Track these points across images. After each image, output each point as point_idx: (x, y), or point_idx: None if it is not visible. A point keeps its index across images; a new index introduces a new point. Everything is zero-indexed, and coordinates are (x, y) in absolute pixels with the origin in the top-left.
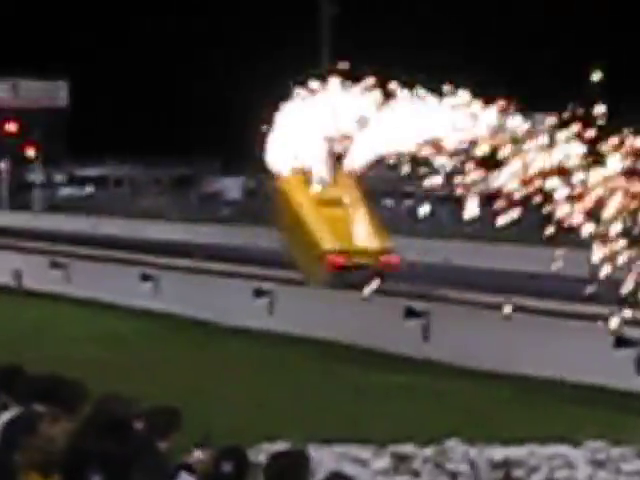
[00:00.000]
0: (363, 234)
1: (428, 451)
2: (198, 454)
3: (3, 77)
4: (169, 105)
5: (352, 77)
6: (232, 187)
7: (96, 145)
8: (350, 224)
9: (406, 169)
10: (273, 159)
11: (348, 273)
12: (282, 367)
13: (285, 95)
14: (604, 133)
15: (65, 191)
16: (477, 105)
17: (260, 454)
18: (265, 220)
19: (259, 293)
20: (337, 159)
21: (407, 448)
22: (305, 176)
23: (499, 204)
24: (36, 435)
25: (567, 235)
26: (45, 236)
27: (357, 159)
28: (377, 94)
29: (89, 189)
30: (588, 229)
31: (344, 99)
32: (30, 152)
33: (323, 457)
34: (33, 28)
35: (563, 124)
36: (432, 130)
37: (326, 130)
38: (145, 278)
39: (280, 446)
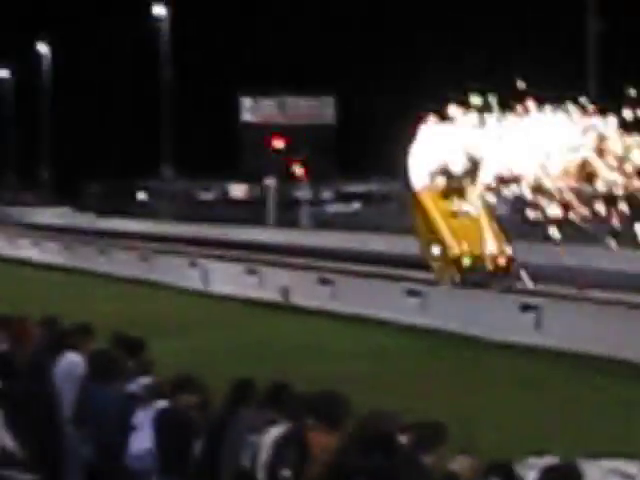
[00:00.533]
0: (487, 241)
1: None
2: (462, 460)
3: (270, 94)
4: None
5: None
6: None
7: (363, 161)
8: (475, 233)
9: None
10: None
11: (473, 274)
12: (548, 382)
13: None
14: None
15: (332, 208)
16: None
17: (527, 469)
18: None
19: (526, 308)
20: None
21: None
22: (442, 191)
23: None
24: (305, 450)
25: None
26: (313, 253)
27: (487, 175)
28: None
29: (356, 205)
30: None
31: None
32: (297, 169)
33: (591, 472)
34: (295, 47)
35: None
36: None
37: (466, 149)
38: (412, 294)
39: (548, 460)
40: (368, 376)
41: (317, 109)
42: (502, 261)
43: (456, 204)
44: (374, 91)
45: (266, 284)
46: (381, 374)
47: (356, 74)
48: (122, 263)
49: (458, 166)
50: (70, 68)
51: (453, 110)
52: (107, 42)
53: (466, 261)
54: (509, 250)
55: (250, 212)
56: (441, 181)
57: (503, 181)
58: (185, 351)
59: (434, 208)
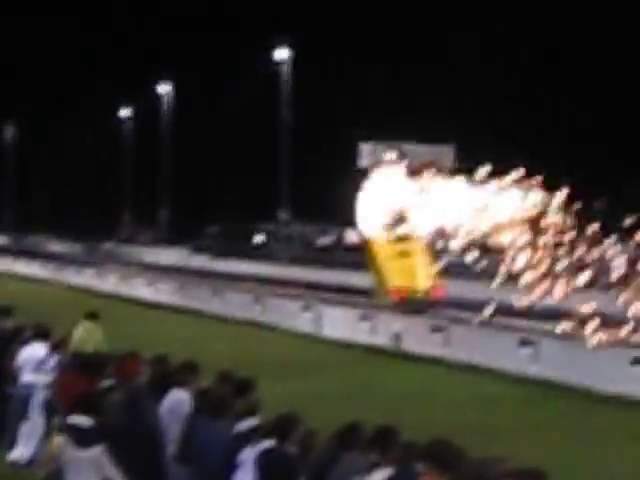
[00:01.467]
0: (421, 276)
1: None
2: None
3: (388, 139)
4: None
5: None
6: None
7: None
8: (413, 270)
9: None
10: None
11: (407, 303)
12: None
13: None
14: None
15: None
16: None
17: None
18: None
19: (637, 361)
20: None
21: None
22: (386, 236)
23: None
24: None
25: None
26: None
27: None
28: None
29: (474, 255)
30: None
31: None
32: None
33: None
34: (415, 93)
35: None
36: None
37: (400, 202)
38: (524, 343)
39: None
40: (478, 424)
41: (437, 156)
42: (433, 294)
43: (400, 250)
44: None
45: (378, 330)
46: (491, 422)
47: (473, 122)
48: (235, 305)
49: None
50: (190, 109)
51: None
52: (228, 84)
53: (403, 293)
54: (440, 285)
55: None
56: (390, 230)
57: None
58: (293, 394)
59: (381, 252)
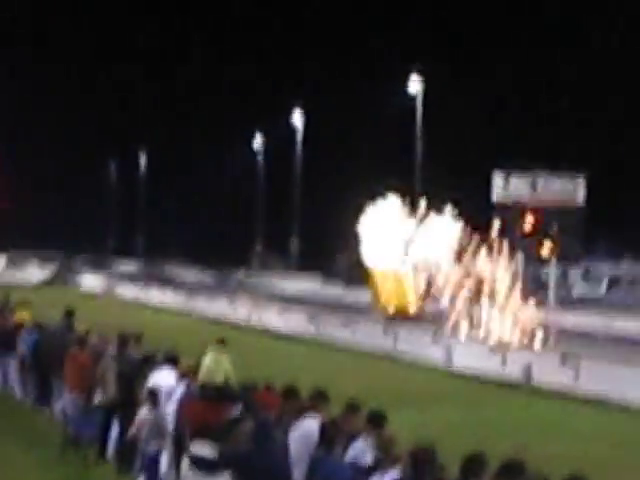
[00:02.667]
0: (408, 298)
1: None
2: None
3: (520, 170)
4: None
5: None
6: None
7: (611, 243)
8: (403, 292)
9: None
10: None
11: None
12: None
13: None
14: None
15: (579, 289)
16: None
17: None
18: None
19: None
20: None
21: None
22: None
23: None
24: None
25: None
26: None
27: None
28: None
29: (603, 287)
30: None
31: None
32: (545, 249)
33: None
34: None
35: None
36: None
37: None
38: None
39: None
40: (607, 459)
41: (568, 188)
42: (417, 310)
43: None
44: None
45: (509, 363)
46: (621, 457)
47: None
48: (366, 335)
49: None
50: (320, 138)
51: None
52: (357, 114)
53: (392, 309)
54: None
55: None
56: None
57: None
58: (423, 425)
59: (377, 276)
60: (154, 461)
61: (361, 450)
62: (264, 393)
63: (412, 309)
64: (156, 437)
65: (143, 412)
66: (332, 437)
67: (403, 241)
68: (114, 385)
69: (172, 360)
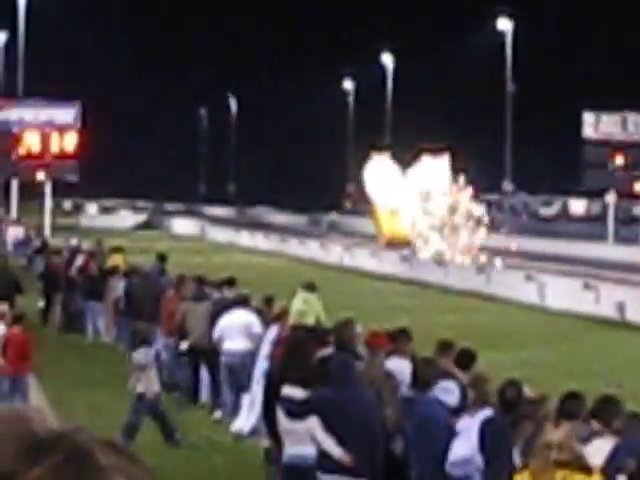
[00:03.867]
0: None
1: None
2: None
3: (612, 109)
4: None
5: None
6: None
7: None
8: (398, 226)
9: None
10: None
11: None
12: None
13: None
14: None
15: None
16: None
17: None
18: None
19: None
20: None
21: None
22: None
23: None
24: None
25: None
26: None
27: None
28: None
29: None
30: None
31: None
32: (638, 186)
33: None
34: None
35: None
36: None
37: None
38: None
39: None
40: None
41: None
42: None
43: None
44: None
45: (602, 300)
46: None
47: None
48: (459, 276)
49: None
50: (411, 78)
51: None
52: (450, 54)
53: (390, 237)
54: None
55: (590, 228)
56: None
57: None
58: (516, 364)
59: (378, 211)
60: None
61: (448, 389)
62: (371, 335)
63: (405, 237)
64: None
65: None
66: (426, 376)
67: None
68: (199, 329)
69: (243, 302)
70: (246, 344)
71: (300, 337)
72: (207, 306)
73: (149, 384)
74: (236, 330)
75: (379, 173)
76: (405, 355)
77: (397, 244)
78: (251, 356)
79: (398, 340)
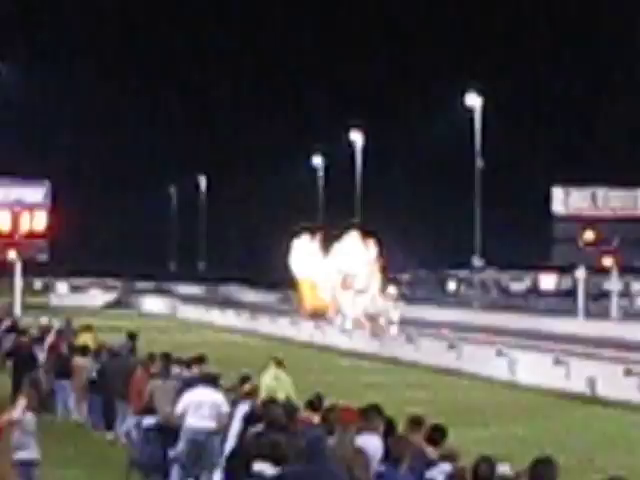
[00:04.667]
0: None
1: None
2: None
3: (579, 184)
4: None
5: None
6: None
7: None
8: (317, 297)
9: None
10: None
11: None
12: None
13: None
14: None
15: None
16: None
17: None
18: None
19: None
20: None
21: None
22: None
23: None
24: None
25: None
26: (621, 344)
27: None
28: None
29: None
30: None
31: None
32: (607, 261)
33: None
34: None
35: None
36: None
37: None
38: None
39: None
40: None
41: (629, 201)
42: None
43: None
44: None
45: (573, 375)
46: None
47: None
48: (429, 351)
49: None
50: (382, 155)
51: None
52: (417, 130)
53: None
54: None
55: (560, 303)
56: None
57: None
58: (488, 440)
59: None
60: None
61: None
62: (347, 413)
63: (324, 308)
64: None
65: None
66: (399, 452)
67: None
68: (168, 406)
69: (211, 381)
70: (211, 423)
71: (273, 413)
72: (174, 384)
73: None
74: (203, 408)
75: (301, 251)
76: (377, 431)
77: (318, 314)
78: (215, 436)
79: (369, 416)
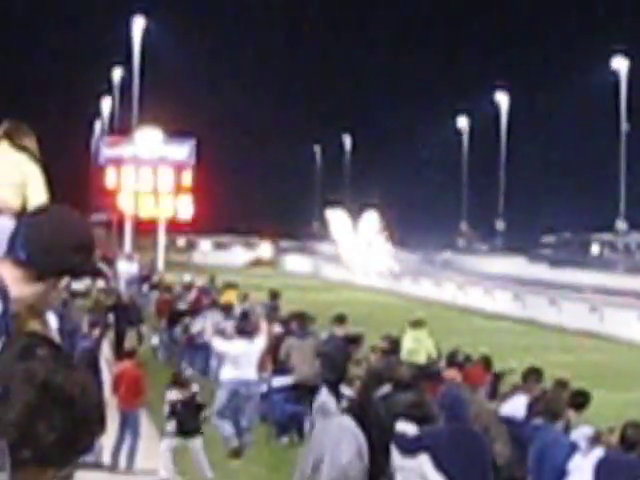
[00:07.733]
0: None
1: None
2: None
3: None
4: None
5: None
6: None
7: None
8: None
9: None
10: None
11: None
12: None
13: None
14: None
15: None
16: None
17: None
18: None
19: None
20: None
21: None
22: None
23: None
24: None
25: None
26: None
27: None
28: None
29: None
30: None
31: None
32: None
33: None
34: None
35: None
36: None
37: None
38: None
39: None
40: None
41: None
42: None
43: None
44: None
45: None
46: None
47: None
48: (572, 315)
49: None
50: (527, 117)
51: None
52: (563, 90)
53: None
54: None
55: None
56: None
57: None
58: (633, 404)
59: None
60: None
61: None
62: (478, 369)
63: None
64: None
65: None
66: (558, 409)
67: None
68: (305, 366)
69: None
70: None
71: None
72: (312, 342)
73: None
74: None
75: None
76: (531, 392)
77: None
78: None
79: (528, 379)
